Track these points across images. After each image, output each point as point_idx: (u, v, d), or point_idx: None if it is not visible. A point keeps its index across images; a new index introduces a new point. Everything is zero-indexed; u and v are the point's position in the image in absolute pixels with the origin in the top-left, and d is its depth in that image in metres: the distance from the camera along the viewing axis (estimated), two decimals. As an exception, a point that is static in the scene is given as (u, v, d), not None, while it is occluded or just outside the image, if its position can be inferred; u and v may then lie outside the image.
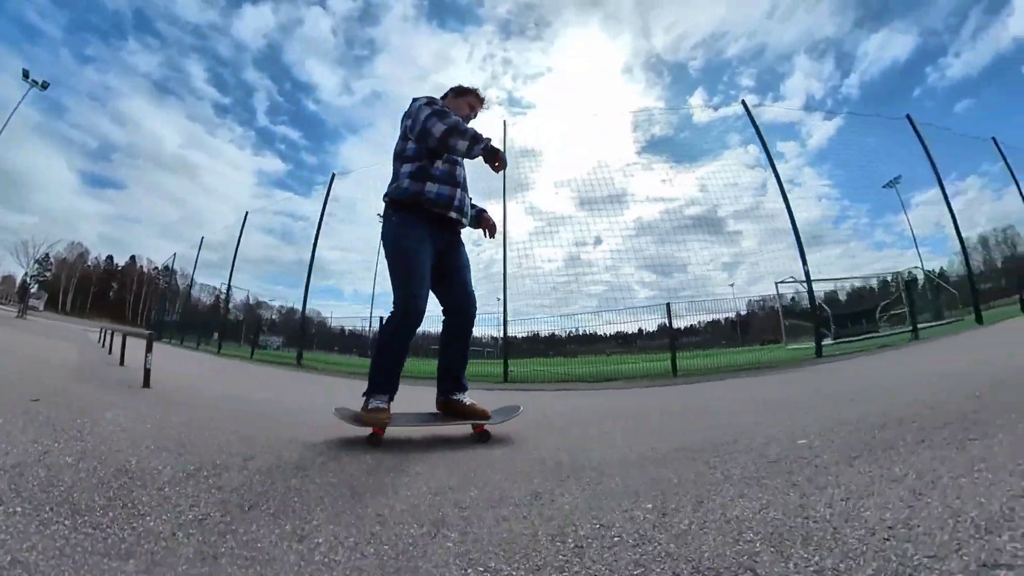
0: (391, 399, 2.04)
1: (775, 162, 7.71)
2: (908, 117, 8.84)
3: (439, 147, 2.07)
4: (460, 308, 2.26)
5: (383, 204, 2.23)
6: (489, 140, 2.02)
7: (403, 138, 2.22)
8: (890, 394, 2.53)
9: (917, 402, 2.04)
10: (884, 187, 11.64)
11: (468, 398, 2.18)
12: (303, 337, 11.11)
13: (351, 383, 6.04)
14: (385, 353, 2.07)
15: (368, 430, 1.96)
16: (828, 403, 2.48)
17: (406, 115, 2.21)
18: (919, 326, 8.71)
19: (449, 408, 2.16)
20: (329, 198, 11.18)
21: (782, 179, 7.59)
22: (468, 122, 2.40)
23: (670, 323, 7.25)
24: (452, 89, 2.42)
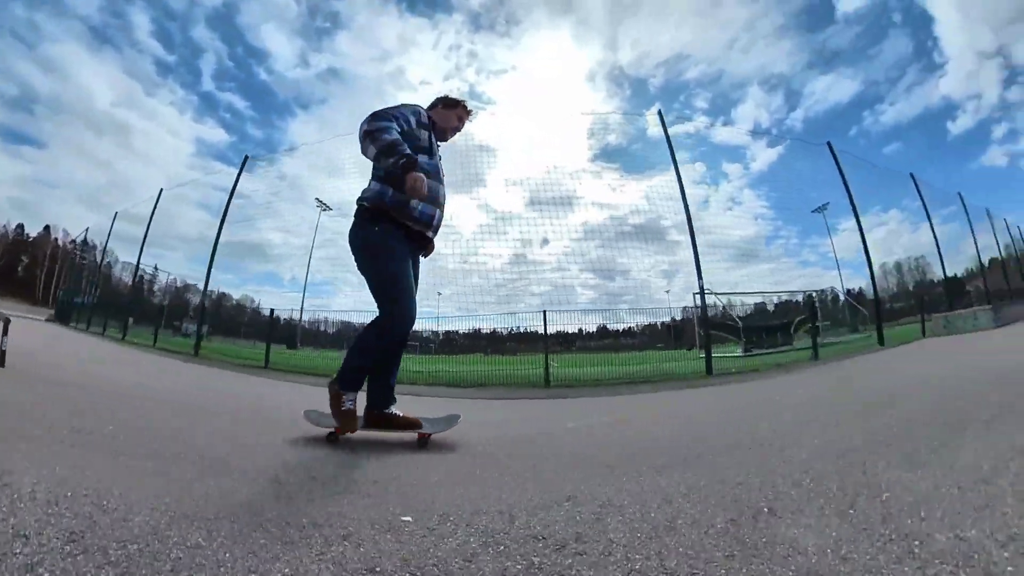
0: (353, 396, 2.09)
1: (679, 168, 8.05)
2: (828, 144, 9.40)
3: (362, 147, 2.01)
4: (407, 317, 2.21)
5: (358, 206, 2.10)
6: (405, 160, 1.91)
7: None
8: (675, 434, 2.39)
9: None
10: (813, 212, 12.47)
11: (398, 410, 2.19)
12: (201, 324, 10.31)
13: (225, 375, 5.78)
14: (366, 356, 2.08)
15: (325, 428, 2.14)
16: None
17: None
18: (828, 342, 9.20)
19: (383, 421, 2.14)
20: (244, 179, 10.57)
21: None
22: (455, 134, 2.40)
23: (545, 331, 7.29)
24: (441, 100, 2.37)
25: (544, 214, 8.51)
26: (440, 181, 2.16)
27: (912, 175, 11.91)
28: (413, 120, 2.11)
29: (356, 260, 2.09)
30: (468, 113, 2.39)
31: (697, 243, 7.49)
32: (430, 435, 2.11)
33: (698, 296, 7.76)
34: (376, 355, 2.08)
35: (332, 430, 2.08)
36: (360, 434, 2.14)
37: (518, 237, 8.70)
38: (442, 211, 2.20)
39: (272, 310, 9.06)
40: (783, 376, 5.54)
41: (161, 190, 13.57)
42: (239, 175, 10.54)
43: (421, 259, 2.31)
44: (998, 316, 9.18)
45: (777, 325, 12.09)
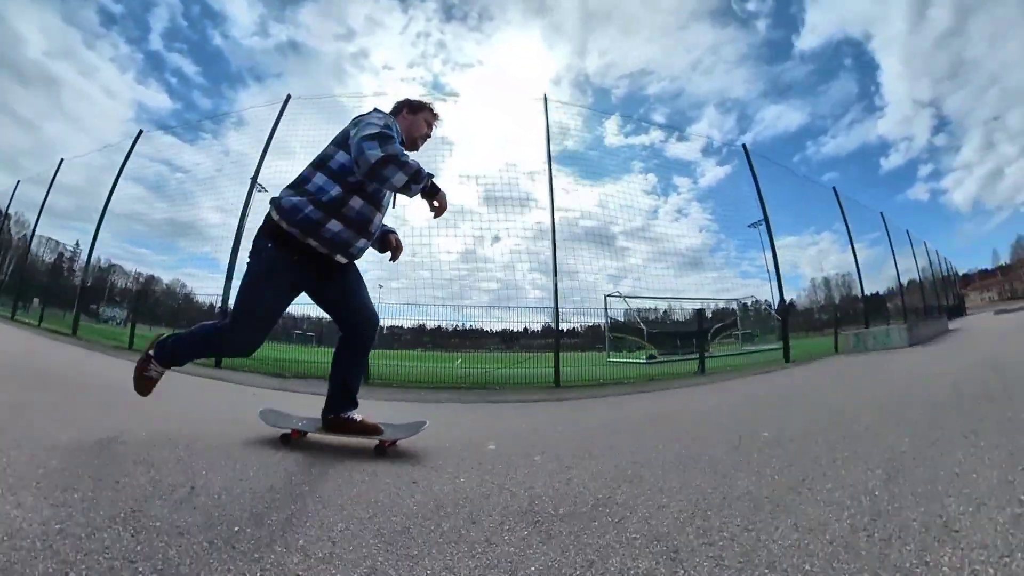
0: (161, 371, 2.07)
1: (552, 158, 8.37)
2: (744, 147, 10.08)
3: (368, 175, 1.76)
4: (358, 325, 2.12)
5: (267, 214, 1.90)
6: (431, 177, 1.82)
7: (337, 144, 1.91)
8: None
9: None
10: (749, 226, 13.37)
11: (358, 414, 2.11)
12: (80, 300, 9.58)
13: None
14: (195, 348, 2.03)
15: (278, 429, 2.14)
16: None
17: (355, 121, 1.91)
18: (748, 351, 9.47)
19: (340, 426, 2.08)
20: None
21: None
22: (424, 142, 2.20)
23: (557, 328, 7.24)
24: (405, 103, 2.16)
25: (497, 211, 8.58)
26: (380, 208, 2.00)
27: (834, 189, 13.07)
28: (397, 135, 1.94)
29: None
30: (436, 117, 2.22)
31: (644, 251, 7.83)
32: (392, 442, 2.04)
33: (612, 299, 8.06)
34: (203, 354, 2.10)
35: (287, 431, 2.08)
36: (314, 438, 2.13)
37: (470, 233, 8.70)
38: (369, 240, 2.04)
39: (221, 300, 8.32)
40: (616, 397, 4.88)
41: (62, 160, 12.27)
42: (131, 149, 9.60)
43: (369, 264, 2.18)
44: (912, 335, 9.10)
45: (693, 332, 11.91)
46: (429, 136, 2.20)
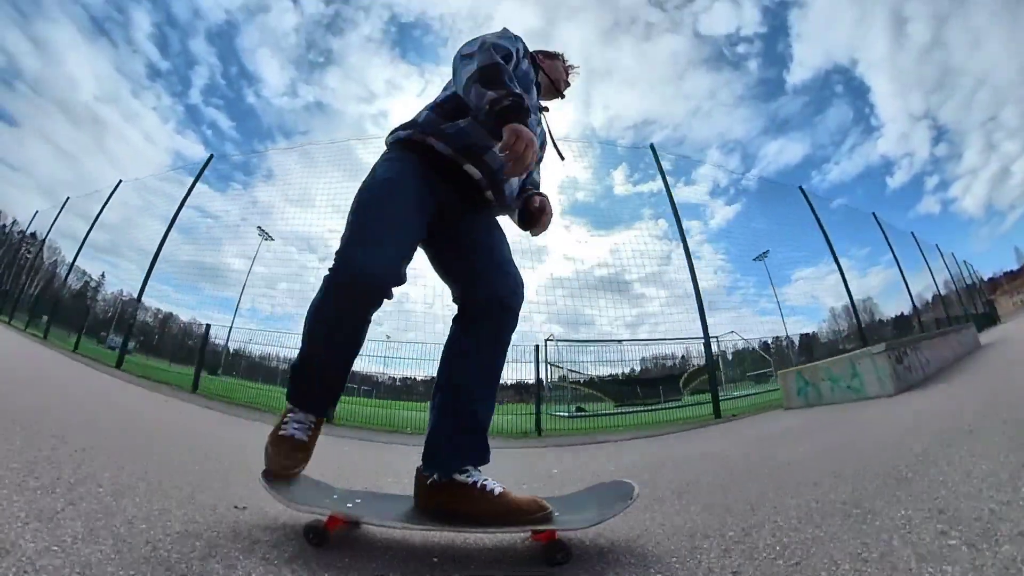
0: (317, 424, 1.22)
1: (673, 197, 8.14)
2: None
3: (456, 74, 1.30)
4: (492, 301, 1.27)
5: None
6: (512, 100, 1.14)
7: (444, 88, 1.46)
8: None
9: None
10: (755, 259, 13.07)
11: (491, 480, 1.14)
12: (128, 336, 9.26)
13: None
14: (312, 346, 1.21)
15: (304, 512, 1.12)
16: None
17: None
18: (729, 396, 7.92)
19: (454, 498, 1.12)
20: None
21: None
22: (566, 89, 1.76)
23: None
24: (539, 52, 1.73)
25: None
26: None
27: (875, 214, 12.82)
28: (526, 62, 1.47)
29: None
30: (572, 66, 1.80)
31: (662, 296, 7.73)
32: (556, 537, 1.05)
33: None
34: (322, 334, 1.20)
35: (322, 518, 1.09)
36: (375, 532, 1.18)
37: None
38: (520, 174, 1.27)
39: (208, 326, 7.87)
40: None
41: (120, 181, 12.58)
42: (202, 170, 9.91)
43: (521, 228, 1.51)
44: (899, 370, 4.30)
45: (657, 378, 10.47)
46: (569, 85, 1.78)
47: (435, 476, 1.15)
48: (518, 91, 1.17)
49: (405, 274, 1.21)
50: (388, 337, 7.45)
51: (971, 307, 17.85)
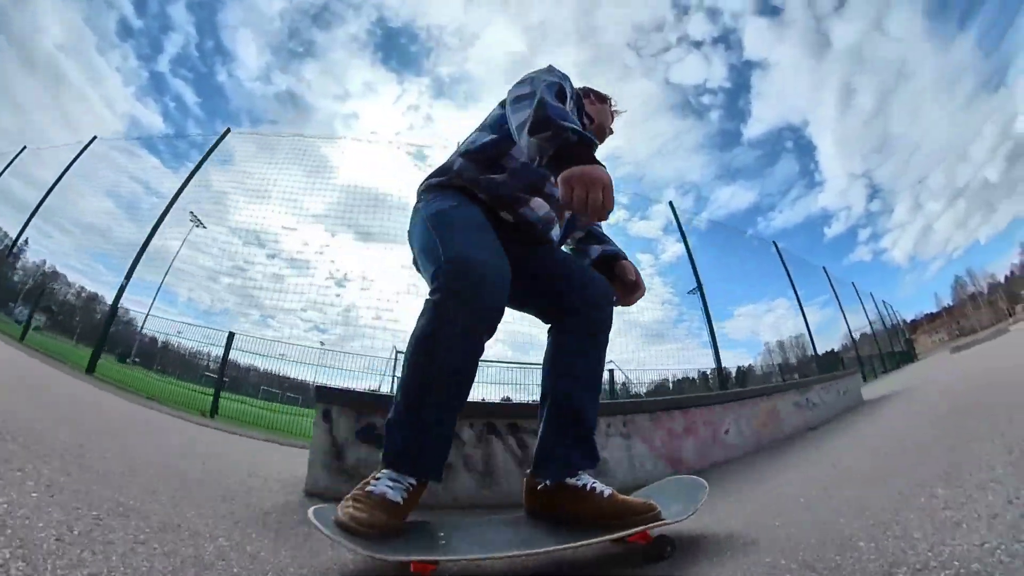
0: (420, 487, 0.98)
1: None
2: (671, 204, 9.70)
3: (513, 117, 1.17)
4: (579, 306, 1.24)
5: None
6: (580, 138, 0.98)
7: (479, 129, 1.37)
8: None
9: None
10: (688, 293, 14.17)
11: (600, 483, 1.10)
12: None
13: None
14: (419, 382, 0.99)
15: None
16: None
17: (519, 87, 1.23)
18: None
19: (563, 501, 1.09)
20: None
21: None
22: (605, 138, 1.64)
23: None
24: (589, 90, 1.62)
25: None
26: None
27: (775, 243, 12.90)
28: (571, 103, 1.28)
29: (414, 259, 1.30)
30: (617, 112, 1.71)
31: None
32: (653, 536, 1.02)
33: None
34: (437, 372, 0.99)
35: (404, 561, 0.85)
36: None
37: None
38: (551, 207, 1.31)
39: (115, 304, 6.92)
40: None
41: (95, 137, 11.70)
42: (215, 145, 8.50)
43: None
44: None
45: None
46: (613, 132, 1.68)
47: (547, 482, 1.10)
48: (573, 125, 0.99)
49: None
50: (323, 344, 7.21)
51: (895, 345, 18.78)
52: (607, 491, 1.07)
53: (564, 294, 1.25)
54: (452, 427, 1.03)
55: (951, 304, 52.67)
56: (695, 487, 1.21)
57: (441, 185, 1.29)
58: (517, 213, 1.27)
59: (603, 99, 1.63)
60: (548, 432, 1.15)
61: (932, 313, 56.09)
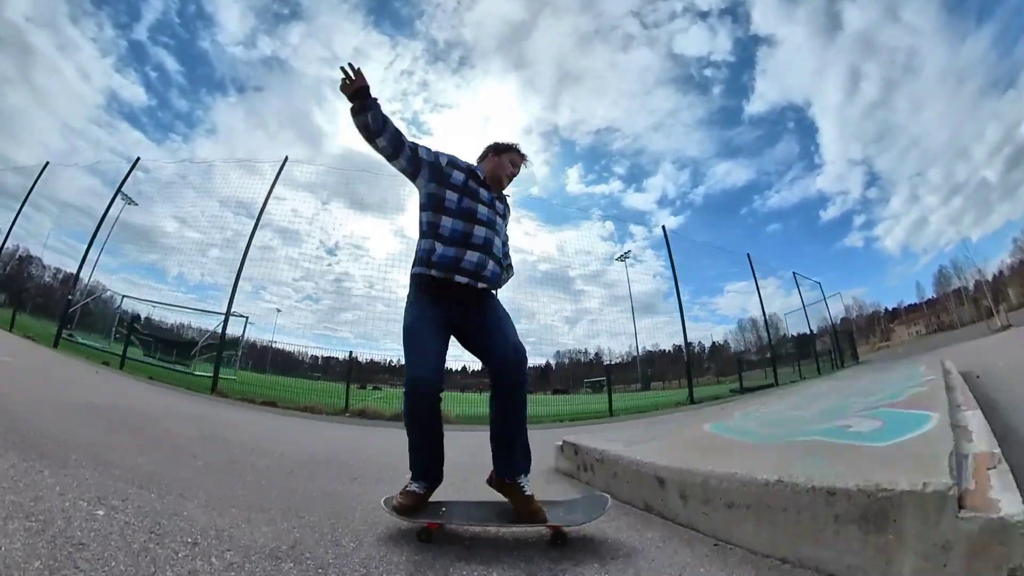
0: (429, 487, 1.82)
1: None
2: (663, 228, 11.03)
3: (367, 138, 1.92)
4: (499, 362, 1.85)
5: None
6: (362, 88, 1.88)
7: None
8: None
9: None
10: (617, 259, 13.75)
11: (528, 484, 1.76)
12: None
13: None
14: (410, 437, 1.84)
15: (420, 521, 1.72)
16: None
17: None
18: None
19: (507, 493, 1.77)
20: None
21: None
22: (510, 181, 2.21)
23: None
24: (492, 147, 2.21)
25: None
26: (481, 223, 1.96)
27: (748, 255, 14.10)
28: (444, 159, 2.01)
29: None
30: (522, 157, 2.21)
31: (601, 294, 8.24)
32: (561, 529, 1.67)
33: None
34: (414, 432, 1.82)
35: (424, 524, 1.69)
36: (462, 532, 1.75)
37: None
38: (483, 255, 1.94)
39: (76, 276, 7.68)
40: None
41: (47, 163, 11.19)
42: (278, 175, 9.02)
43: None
44: None
45: (179, 342, 10.79)
46: (516, 174, 2.22)
47: (496, 476, 1.80)
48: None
49: (443, 375, 1.85)
50: (279, 311, 8.67)
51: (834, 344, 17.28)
52: (528, 491, 1.74)
53: (492, 367, 1.85)
54: (438, 448, 1.84)
55: (934, 297, 53.44)
56: (600, 504, 1.77)
57: (416, 278, 1.97)
58: (460, 269, 1.91)
59: (500, 151, 2.18)
60: (494, 446, 1.83)
61: (913, 304, 57.06)
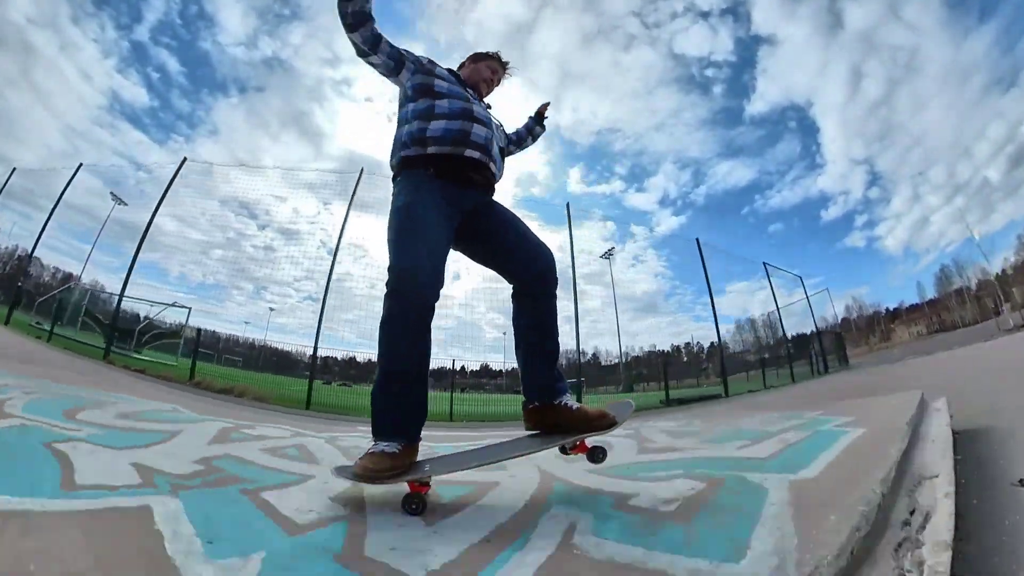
0: (410, 443, 1.33)
1: None
2: (697, 241, 10.45)
3: (347, 26, 1.60)
4: (526, 267, 1.61)
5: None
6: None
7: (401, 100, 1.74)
8: None
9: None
10: (602, 257, 13.49)
11: (569, 399, 1.51)
12: None
13: None
14: (383, 375, 1.36)
15: (403, 488, 1.25)
16: None
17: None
18: None
19: (550, 417, 1.48)
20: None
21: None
22: (491, 88, 2.00)
23: None
24: (469, 56, 2.04)
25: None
26: (479, 122, 1.62)
27: (765, 264, 13.60)
28: (426, 59, 1.76)
29: None
30: (503, 66, 2.01)
31: (602, 294, 7.86)
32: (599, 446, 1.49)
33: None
34: (397, 359, 1.36)
35: (408, 489, 1.24)
36: (446, 479, 1.39)
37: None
38: (490, 132, 1.64)
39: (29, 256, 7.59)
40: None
41: (80, 165, 10.91)
42: (356, 187, 8.80)
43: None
44: None
45: (122, 328, 10.50)
46: (494, 82, 2.01)
47: (536, 403, 1.52)
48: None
49: (443, 278, 1.45)
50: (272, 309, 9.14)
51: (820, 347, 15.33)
52: (575, 405, 1.48)
53: (515, 273, 1.61)
54: (421, 395, 1.38)
55: (935, 297, 53.18)
56: (625, 407, 1.61)
57: (409, 160, 1.57)
58: (470, 143, 1.57)
59: (477, 59, 1.99)
60: (529, 370, 1.54)
61: (914, 305, 56.86)
